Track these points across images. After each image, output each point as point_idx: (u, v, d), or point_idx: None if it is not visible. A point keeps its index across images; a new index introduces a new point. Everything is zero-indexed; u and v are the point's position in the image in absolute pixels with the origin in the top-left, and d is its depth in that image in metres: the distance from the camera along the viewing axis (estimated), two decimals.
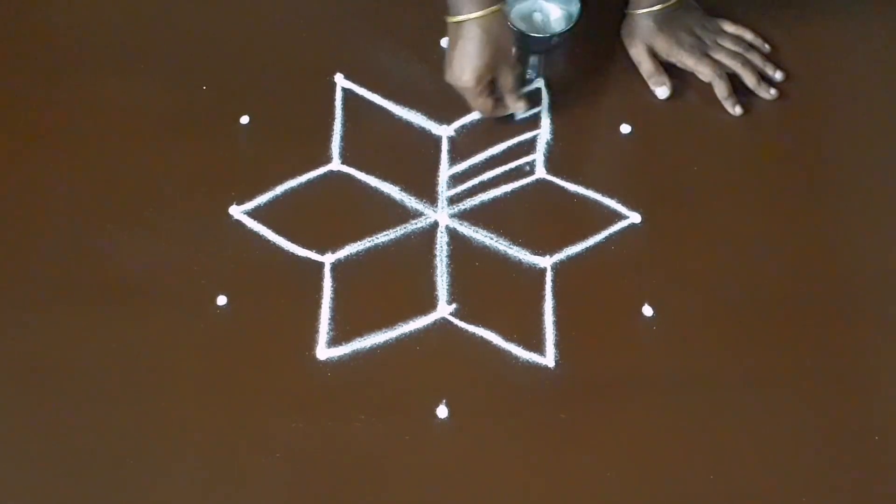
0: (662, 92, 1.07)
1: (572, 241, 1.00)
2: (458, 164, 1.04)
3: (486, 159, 1.04)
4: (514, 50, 1.01)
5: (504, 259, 0.99)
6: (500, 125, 1.06)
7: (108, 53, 1.11)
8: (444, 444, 0.91)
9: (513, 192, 1.03)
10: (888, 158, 1.05)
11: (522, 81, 1.06)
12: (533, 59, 1.11)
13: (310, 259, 0.99)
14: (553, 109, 1.07)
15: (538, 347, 0.94)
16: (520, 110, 1.04)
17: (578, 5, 1.07)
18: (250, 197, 1.02)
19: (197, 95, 1.08)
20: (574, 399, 0.92)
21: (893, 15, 1.14)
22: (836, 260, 0.99)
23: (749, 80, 1.07)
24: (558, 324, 0.95)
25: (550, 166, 1.04)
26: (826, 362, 0.94)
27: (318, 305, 0.96)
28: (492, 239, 1.00)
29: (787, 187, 1.03)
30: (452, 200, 1.02)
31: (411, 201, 1.02)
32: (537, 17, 1.10)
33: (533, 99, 1.07)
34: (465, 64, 0.98)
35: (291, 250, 0.99)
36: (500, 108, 1.04)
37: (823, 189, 1.03)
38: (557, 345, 0.94)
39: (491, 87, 1.01)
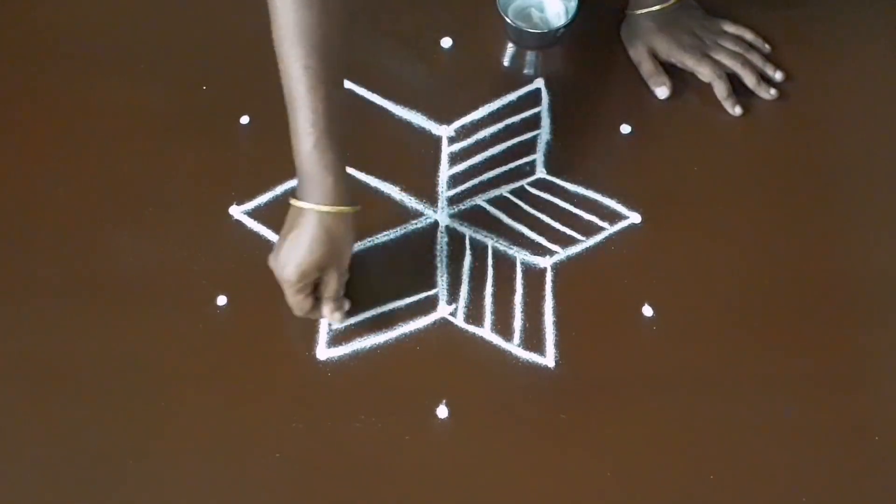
0: (662, 92, 1.07)
1: (572, 242, 1.00)
2: (458, 164, 1.04)
3: (486, 159, 1.05)
4: (348, 256, 0.90)
5: (504, 259, 0.99)
6: (500, 124, 1.06)
7: (108, 53, 1.11)
8: (444, 444, 0.91)
9: (513, 192, 1.03)
10: (888, 158, 1.05)
11: (342, 290, 0.93)
12: (531, 57, 1.11)
13: None
14: (553, 109, 1.07)
15: (538, 347, 0.94)
16: (335, 322, 0.92)
17: (576, 0, 1.07)
18: (250, 197, 1.02)
19: (197, 95, 1.08)
20: (574, 399, 0.92)
21: (893, 15, 1.14)
22: (837, 260, 0.99)
23: (749, 80, 1.07)
24: (558, 324, 0.95)
25: (550, 166, 1.04)
26: (826, 362, 0.94)
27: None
28: (492, 239, 1.00)
29: (787, 187, 1.03)
30: (452, 201, 1.02)
31: (411, 201, 1.02)
32: (535, 13, 1.10)
33: (533, 99, 1.07)
34: (291, 256, 0.87)
35: None
36: (316, 311, 0.92)
37: (823, 189, 1.03)
38: (557, 345, 0.94)
39: (314, 286, 0.90)
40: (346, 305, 0.93)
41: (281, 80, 0.86)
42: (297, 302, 0.90)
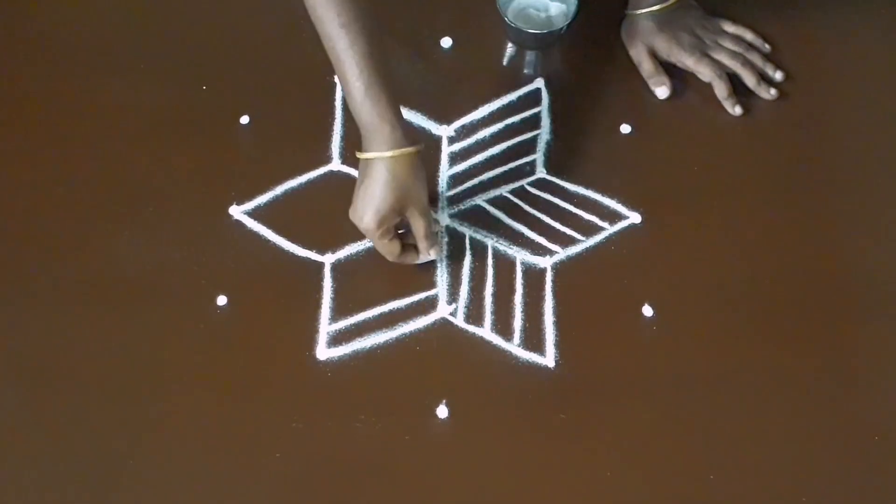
0: (662, 92, 1.07)
1: (572, 241, 1.00)
2: (458, 164, 1.04)
3: (486, 159, 1.05)
4: (425, 195, 0.94)
5: (504, 259, 0.99)
6: (500, 124, 1.06)
7: (108, 53, 1.11)
8: (444, 444, 0.91)
9: (513, 192, 1.03)
10: (888, 158, 1.05)
11: (432, 226, 0.96)
12: (530, 57, 1.11)
13: (310, 259, 0.99)
14: (553, 109, 1.07)
15: (538, 347, 0.94)
16: (432, 257, 0.96)
17: (576, 0, 1.07)
18: (250, 197, 1.02)
19: (197, 95, 1.08)
20: (574, 399, 0.92)
21: (893, 15, 1.14)
22: (836, 260, 0.99)
23: (749, 80, 1.07)
24: (558, 324, 0.95)
25: (550, 166, 1.04)
26: (826, 362, 0.94)
27: (318, 305, 0.96)
28: (492, 239, 1.00)
29: (787, 187, 1.03)
30: (452, 201, 1.02)
31: None
32: (534, 13, 1.09)
33: (533, 99, 1.08)
34: (367, 205, 0.91)
35: (291, 250, 0.99)
36: (410, 255, 0.96)
37: (823, 189, 1.03)
38: (557, 345, 0.94)
39: (397, 230, 0.94)
40: (440, 238, 0.97)
41: (322, 43, 0.90)
42: (383, 247, 0.94)
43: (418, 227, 0.94)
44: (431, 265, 0.98)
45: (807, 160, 1.05)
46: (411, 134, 0.92)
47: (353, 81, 0.89)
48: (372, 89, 0.89)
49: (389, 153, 0.90)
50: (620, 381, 0.93)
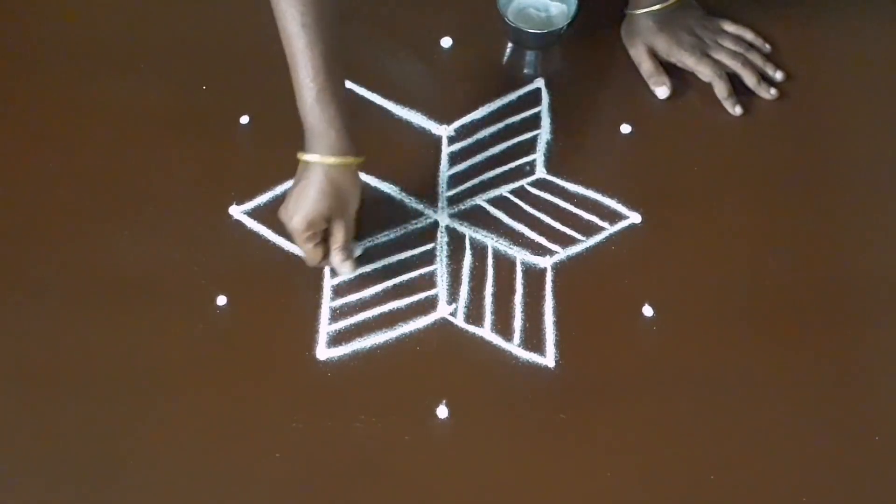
0: (662, 92, 1.07)
1: (572, 242, 1.00)
2: (458, 164, 1.04)
3: (485, 159, 1.05)
4: (355, 207, 0.94)
5: (504, 259, 0.99)
6: (500, 124, 1.06)
7: (108, 53, 1.11)
8: (444, 444, 0.91)
9: (513, 192, 1.03)
10: (888, 158, 1.05)
11: (353, 240, 0.96)
12: (530, 57, 1.11)
13: None
14: (553, 109, 1.07)
15: (538, 347, 0.94)
16: (344, 272, 0.94)
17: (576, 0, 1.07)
18: (250, 197, 1.02)
19: (197, 95, 1.08)
20: (574, 399, 0.92)
21: (893, 15, 1.14)
22: (836, 260, 0.99)
23: (749, 80, 1.07)
24: (558, 324, 0.95)
25: (550, 166, 1.04)
26: (826, 362, 0.94)
27: (318, 305, 0.96)
28: (492, 239, 1.00)
29: (787, 187, 1.03)
30: (452, 201, 1.02)
31: (411, 202, 1.02)
32: (534, 13, 1.10)
33: (533, 99, 1.08)
34: (299, 206, 0.90)
35: (291, 250, 0.99)
36: (327, 261, 0.94)
37: (823, 189, 1.03)
38: (557, 345, 0.94)
39: (324, 235, 0.93)
40: (357, 251, 0.96)
41: (281, 38, 0.89)
42: (307, 251, 0.93)
43: (338, 237, 0.93)
44: (431, 265, 0.98)
45: (807, 160, 1.05)
46: (355, 143, 0.91)
47: (306, 83, 0.88)
48: (324, 93, 0.88)
49: (331, 160, 0.90)
50: (620, 381, 0.93)
